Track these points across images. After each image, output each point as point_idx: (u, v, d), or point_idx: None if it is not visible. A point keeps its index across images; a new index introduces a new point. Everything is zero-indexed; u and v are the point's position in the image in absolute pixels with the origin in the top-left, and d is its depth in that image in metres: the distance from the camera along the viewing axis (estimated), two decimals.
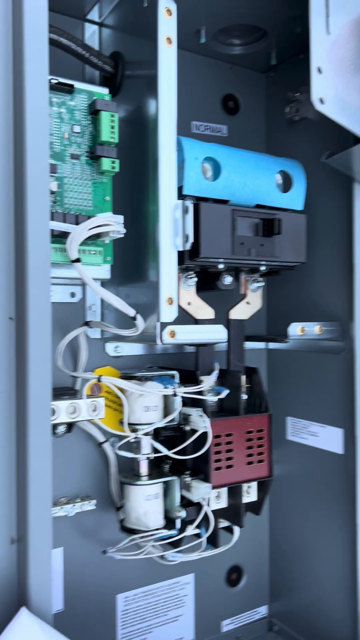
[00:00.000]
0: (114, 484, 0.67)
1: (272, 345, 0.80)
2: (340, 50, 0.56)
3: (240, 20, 0.68)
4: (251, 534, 0.81)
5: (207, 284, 0.66)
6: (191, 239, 0.55)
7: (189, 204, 0.55)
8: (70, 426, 0.65)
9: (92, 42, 0.68)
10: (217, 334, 0.60)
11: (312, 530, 0.74)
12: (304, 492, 0.75)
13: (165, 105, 0.55)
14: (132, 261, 0.60)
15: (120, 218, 0.53)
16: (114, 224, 0.52)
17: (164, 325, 0.55)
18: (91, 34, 0.68)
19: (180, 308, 0.64)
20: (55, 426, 0.63)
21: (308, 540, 0.75)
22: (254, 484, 0.67)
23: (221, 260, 0.61)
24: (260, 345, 0.82)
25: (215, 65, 0.78)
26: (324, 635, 0.72)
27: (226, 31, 0.72)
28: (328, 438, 0.71)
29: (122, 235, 0.54)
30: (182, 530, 0.63)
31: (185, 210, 0.55)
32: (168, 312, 0.55)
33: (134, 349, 0.70)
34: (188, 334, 0.57)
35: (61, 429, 0.64)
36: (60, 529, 0.65)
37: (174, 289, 0.55)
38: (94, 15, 0.67)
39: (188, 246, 0.55)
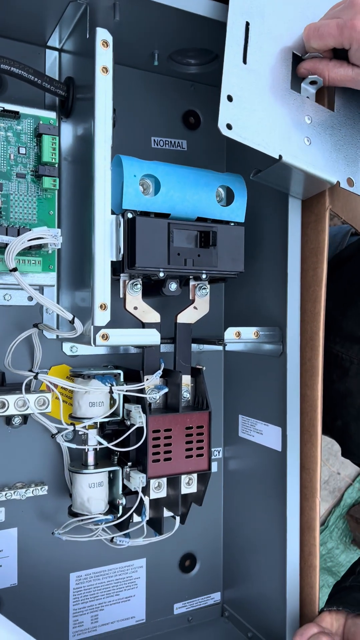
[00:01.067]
0: (67, 472, 0.74)
1: (208, 347, 0.85)
2: (261, 77, 0.60)
3: (189, 44, 0.73)
4: (205, 524, 0.86)
5: (155, 290, 0.72)
6: (122, 251, 0.60)
7: (121, 219, 0.61)
8: (25, 418, 0.71)
9: (54, 68, 0.74)
10: (150, 337, 0.65)
11: (259, 523, 0.79)
12: (253, 487, 0.80)
13: (100, 127, 0.60)
14: (80, 269, 0.66)
15: (56, 231, 0.59)
16: (48, 237, 0.58)
17: (97, 328, 0.61)
18: (53, 61, 0.74)
19: (127, 312, 0.70)
20: (10, 418, 0.70)
21: (256, 533, 0.79)
22: (195, 477, 0.72)
23: (160, 269, 0.66)
24: (218, 347, 0.86)
25: (177, 84, 0.83)
26: (269, 623, 0.76)
27: (181, 53, 0.77)
28: (270, 436, 0.76)
29: (59, 247, 0.60)
30: (122, 516, 0.69)
31: (117, 224, 0.61)
32: (101, 317, 0.60)
33: (91, 349, 0.76)
34: (121, 337, 0.62)
35: (17, 421, 0.71)
36: (15, 511, 0.71)
37: (107, 295, 0.61)
38: (54, 41, 0.73)
39: (120, 257, 0.61)
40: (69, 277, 0.69)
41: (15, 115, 0.60)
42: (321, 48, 0.59)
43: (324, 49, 0.59)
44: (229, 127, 0.55)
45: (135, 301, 0.70)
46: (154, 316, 0.70)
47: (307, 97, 0.62)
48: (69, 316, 0.61)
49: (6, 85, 0.70)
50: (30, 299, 0.72)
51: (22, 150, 0.61)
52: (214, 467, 0.87)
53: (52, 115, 0.64)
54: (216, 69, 0.79)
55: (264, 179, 0.63)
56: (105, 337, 0.61)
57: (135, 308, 0.70)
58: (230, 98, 0.55)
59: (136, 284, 0.69)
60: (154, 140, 0.81)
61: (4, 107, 0.60)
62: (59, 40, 0.72)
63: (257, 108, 0.57)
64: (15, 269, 0.57)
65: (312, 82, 0.62)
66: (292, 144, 0.59)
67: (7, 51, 0.64)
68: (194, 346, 0.85)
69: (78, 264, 0.66)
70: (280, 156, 0.57)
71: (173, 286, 0.70)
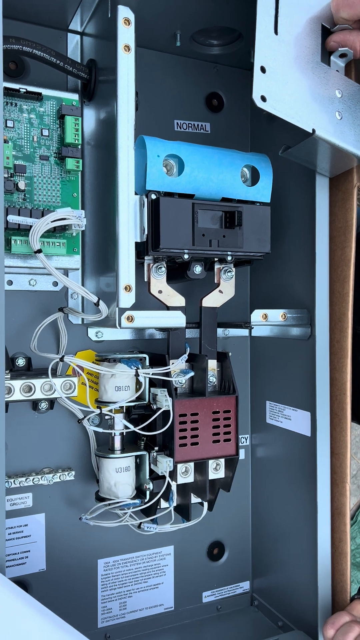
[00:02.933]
0: (93, 457, 0.73)
1: (234, 333, 0.84)
2: (291, 49, 0.58)
3: (212, 23, 0.72)
4: (233, 512, 0.85)
5: (179, 274, 0.71)
6: (146, 231, 0.60)
7: (145, 199, 0.60)
8: (51, 403, 0.71)
9: (76, 52, 0.73)
10: (175, 319, 0.64)
11: (288, 510, 0.77)
12: (282, 474, 0.79)
13: (123, 107, 0.59)
14: (104, 253, 0.66)
15: (80, 212, 0.59)
16: (72, 218, 0.58)
17: (122, 310, 0.60)
18: (75, 45, 0.73)
19: (152, 296, 0.69)
20: (37, 403, 0.70)
21: (285, 520, 0.78)
22: (222, 462, 0.71)
23: (185, 251, 0.65)
24: (244, 332, 0.85)
25: (199, 65, 0.82)
26: (300, 612, 0.75)
27: (203, 33, 0.76)
28: (299, 421, 0.74)
29: (83, 228, 0.59)
30: (150, 500, 0.69)
31: (141, 205, 0.60)
32: (126, 298, 0.60)
33: (116, 335, 0.76)
34: (146, 319, 0.62)
35: (43, 406, 0.71)
36: (42, 497, 0.71)
37: (132, 277, 0.60)
38: (76, 24, 0.72)
39: (144, 238, 0.60)
40: (94, 262, 0.69)
41: (38, 97, 0.60)
42: (351, 18, 0.58)
43: (354, 19, 0.58)
44: (263, 99, 0.53)
45: (159, 284, 0.69)
46: (178, 300, 0.70)
47: (337, 70, 0.60)
48: (94, 298, 0.61)
49: (28, 70, 0.70)
50: (56, 284, 0.72)
51: (45, 132, 0.61)
52: (242, 454, 0.86)
53: (74, 97, 0.63)
54: (240, 49, 0.78)
55: (293, 155, 0.62)
56: (130, 319, 0.61)
57: (160, 292, 0.69)
58: (263, 69, 0.54)
59: (160, 267, 0.68)
60: (177, 123, 0.80)
61: (26, 89, 0.59)
62: (81, 23, 0.72)
63: (289, 80, 0.56)
64: (39, 251, 0.57)
65: (342, 55, 0.60)
66: (324, 118, 0.58)
67: (28, 36, 0.64)
68: (220, 332, 0.84)
69: (102, 249, 0.65)
70: (313, 130, 0.56)
71: (198, 269, 0.69)
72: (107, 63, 0.65)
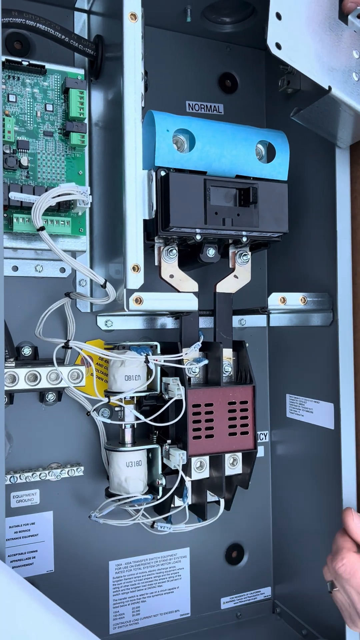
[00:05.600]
0: (103, 452, 0.70)
1: (251, 323, 0.80)
2: (309, 1, 0.55)
3: None
4: (253, 513, 0.80)
5: (192, 259, 0.67)
6: (154, 207, 0.56)
7: (153, 173, 0.57)
8: (59, 394, 0.68)
9: (83, 31, 0.71)
10: (187, 302, 0.60)
11: (312, 510, 0.72)
12: (304, 471, 0.74)
13: (130, 78, 0.56)
14: (113, 236, 0.62)
15: (85, 188, 0.56)
16: (76, 193, 0.54)
17: (130, 292, 0.57)
18: (82, 24, 0.71)
19: (163, 281, 0.65)
20: (44, 394, 0.67)
21: (310, 521, 0.73)
22: (239, 457, 0.67)
23: (197, 230, 0.61)
24: (261, 322, 0.81)
25: (212, 45, 0.79)
26: (325, 620, 0.70)
27: (215, 9, 0.73)
28: (321, 413, 0.70)
29: (88, 205, 0.56)
30: (162, 497, 0.64)
31: (150, 179, 0.57)
32: (134, 279, 0.56)
33: (127, 323, 0.73)
34: (156, 302, 0.58)
35: (51, 397, 0.67)
36: (50, 493, 0.68)
37: (140, 256, 0.56)
38: (82, 2, 0.70)
39: (153, 214, 0.57)
40: (103, 247, 0.66)
41: (41, 70, 0.58)
42: None
43: None
44: (278, 46, 0.50)
45: (171, 269, 0.66)
46: (191, 285, 0.66)
47: (355, 31, 0.56)
48: (101, 280, 0.57)
49: (34, 48, 0.67)
50: (63, 270, 0.69)
51: (49, 108, 0.59)
52: (261, 451, 0.81)
53: (80, 71, 0.60)
54: (252, 26, 0.75)
55: (305, 118, 0.58)
56: (138, 300, 0.57)
57: (172, 276, 0.66)
58: (279, 16, 0.51)
59: (172, 250, 0.65)
60: (189, 104, 0.77)
61: (29, 62, 0.57)
62: (87, 0, 0.69)
63: (305, 32, 0.52)
64: (42, 228, 0.54)
65: None
66: (340, 77, 0.54)
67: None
68: (236, 322, 0.80)
69: (111, 233, 0.62)
70: (330, 87, 0.52)
71: (211, 252, 0.66)
72: (114, 39, 0.62)
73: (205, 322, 0.75)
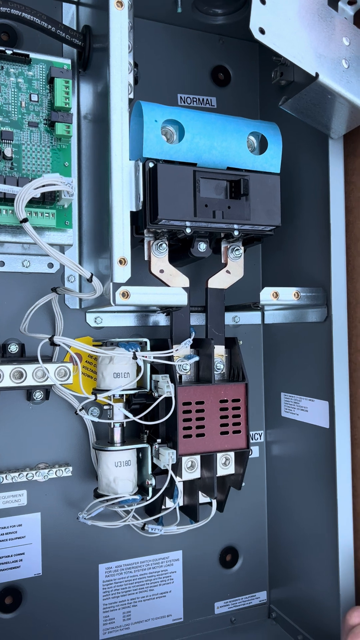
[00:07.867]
0: (92, 451, 0.68)
1: (245, 320, 0.78)
2: None
3: None
4: (247, 515, 0.78)
5: (183, 254, 0.66)
6: (142, 198, 0.55)
7: (140, 164, 0.55)
8: (47, 393, 0.66)
9: (72, 22, 0.70)
10: (176, 297, 0.58)
11: (308, 512, 0.70)
12: (300, 471, 0.72)
13: (116, 66, 0.55)
14: (102, 232, 0.61)
15: (69, 179, 0.54)
16: (60, 184, 0.53)
17: (116, 285, 0.55)
18: (71, 16, 0.70)
19: (153, 276, 0.64)
20: (31, 392, 0.65)
21: (306, 523, 0.71)
22: (232, 456, 0.65)
23: (187, 223, 0.60)
24: (255, 320, 0.79)
25: (204, 38, 0.77)
26: (322, 626, 0.68)
27: (206, 1, 0.72)
28: (316, 412, 0.68)
29: (73, 196, 0.55)
30: (152, 497, 0.63)
31: (137, 169, 0.55)
32: (120, 273, 0.55)
33: (117, 320, 0.71)
34: (143, 296, 0.56)
35: (38, 396, 0.66)
36: (38, 494, 0.66)
37: (127, 249, 0.55)
38: None
39: (140, 206, 0.55)
40: (91, 241, 0.64)
41: (26, 59, 0.56)
42: None
43: None
44: (261, 31, 0.49)
45: (161, 263, 0.64)
46: (182, 280, 0.64)
47: (345, 17, 0.55)
48: (87, 274, 0.56)
49: (21, 39, 0.66)
50: (51, 265, 0.67)
51: (34, 98, 0.57)
52: (256, 452, 0.79)
53: (66, 61, 0.59)
54: (244, 18, 0.73)
55: (294, 107, 0.56)
56: (125, 295, 0.56)
57: (162, 271, 0.64)
58: (262, 0, 0.49)
59: (161, 245, 0.63)
60: (181, 97, 0.76)
61: (13, 51, 0.55)
62: None
63: (291, 17, 0.51)
64: (25, 220, 0.52)
65: (351, 2, 0.55)
66: (329, 65, 0.52)
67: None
68: (229, 319, 0.78)
69: (99, 227, 0.61)
70: (317, 74, 0.50)
71: (202, 246, 0.64)
72: (102, 30, 0.61)
73: (197, 319, 0.73)
